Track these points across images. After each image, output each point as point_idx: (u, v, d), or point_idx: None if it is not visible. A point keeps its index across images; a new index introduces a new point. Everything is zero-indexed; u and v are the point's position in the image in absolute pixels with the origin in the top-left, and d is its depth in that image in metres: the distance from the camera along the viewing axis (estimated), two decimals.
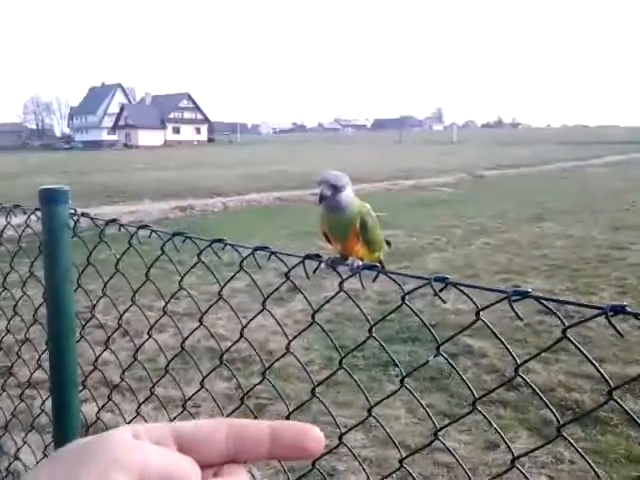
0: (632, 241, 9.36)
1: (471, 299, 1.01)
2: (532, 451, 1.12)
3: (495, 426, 1.14)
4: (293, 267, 1.28)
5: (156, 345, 4.43)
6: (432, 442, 1.20)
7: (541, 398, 0.98)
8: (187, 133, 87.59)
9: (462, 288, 1.05)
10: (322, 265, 1.30)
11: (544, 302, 0.94)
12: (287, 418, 1.44)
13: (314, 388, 1.35)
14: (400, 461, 1.24)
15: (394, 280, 1.14)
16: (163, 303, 1.65)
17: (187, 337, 1.57)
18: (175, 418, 1.87)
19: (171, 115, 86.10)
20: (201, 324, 1.54)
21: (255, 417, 3.25)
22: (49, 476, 0.34)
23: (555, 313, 0.91)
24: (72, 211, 1.70)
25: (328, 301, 1.36)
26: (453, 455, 1.22)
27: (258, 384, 1.53)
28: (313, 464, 1.32)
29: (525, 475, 1.03)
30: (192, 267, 1.49)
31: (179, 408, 1.77)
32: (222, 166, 30.48)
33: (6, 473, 2.64)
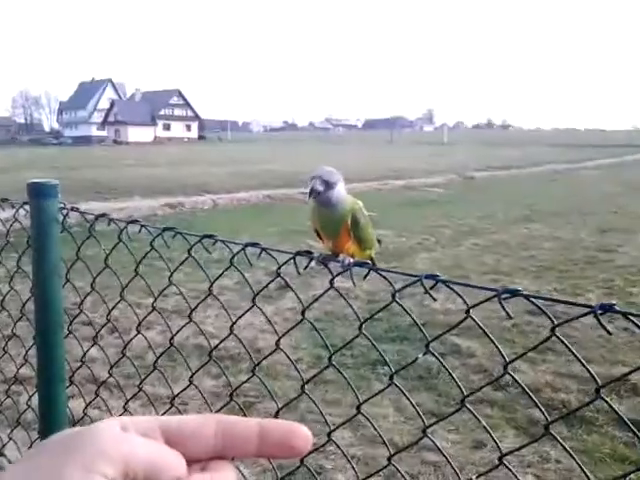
0: (619, 243, 9.45)
1: (461, 297, 1.01)
2: (520, 448, 1.13)
3: (484, 424, 1.14)
4: (284, 263, 1.28)
5: (144, 343, 4.42)
6: (421, 439, 1.21)
7: (530, 397, 0.98)
8: (177, 130, 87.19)
9: (452, 286, 1.05)
10: (313, 262, 1.30)
11: (533, 300, 0.95)
12: (275, 415, 1.43)
13: (303, 385, 1.35)
14: (388, 458, 1.25)
15: (385, 277, 1.14)
16: (151, 300, 1.64)
17: (176, 333, 1.57)
18: (163, 415, 1.86)
19: (161, 112, 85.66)
20: (190, 320, 1.53)
21: (244, 415, 3.24)
22: (35, 466, 0.34)
23: (544, 312, 0.92)
24: (61, 205, 1.68)
25: (318, 298, 1.35)
26: (442, 452, 1.23)
27: (247, 381, 1.53)
28: (301, 461, 1.32)
29: (512, 472, 1.04)
30: (182, 262, 1.49)
31: (167, 405, 1.77)
32: (212, 163, 30.37)
33: None
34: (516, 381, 1.03)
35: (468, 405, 1.08)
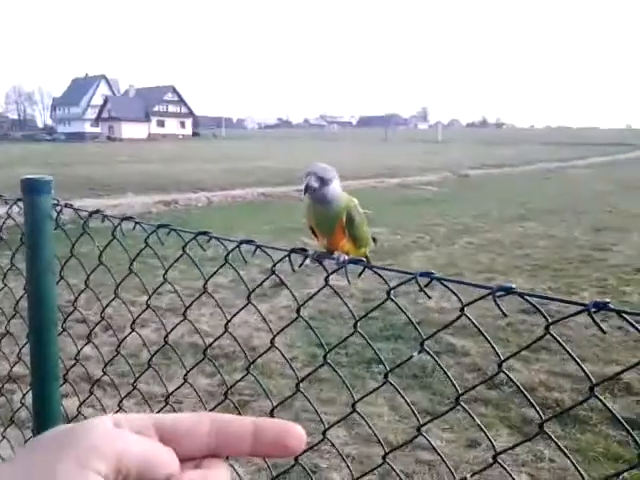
0: (613, 242, 9.49)
1: (456, 295, 1.01)
2: (514, 447, 1.13)
3: (478, 422, 1.14)
4: (279, 261, 1.27)
5: (138, 341, 4.40)
6: (415, 437, 1.21)
7: (524, 395, 0.98)
8: (172, 127, 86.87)
9: (447, 284, 1.04)
10: (308, 260, 1.29)
11: (527, 298, 0.95)
12: (270, 414, 1.43)
13: (298, 383, 1.34)
14: (383, 457, 1.24)
15: (380, 275, 1.13)
16: (146, 298, 1.63)
17: (171, 331, 1.56)
18: (157, 413, 1.85)
19: (155, 108, 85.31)
20: (185, 318, 1.52)
21: (239, 413, 3.23)
22: (29, 463, 0.34)
23: (539, 310, 0.92)
24: (55, 202, 1.67)
25: (313, 295, 1.35)
26: (436, 451, 1.22)
27: (242, 378, 1.52)
28: (296, 460, 1.31)
29: (507, 471, 1.03)
30: (177, 259, 1.48)
31: (161, 404, 1.76)
32: (206, 160, 30.31)
33: None
34: (510, 379, 1.02)
35: (462, 403, 1.07)
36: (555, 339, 0.91)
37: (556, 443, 0.95)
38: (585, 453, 3.37)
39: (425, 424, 1.18)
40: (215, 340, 1.60)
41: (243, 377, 1.50)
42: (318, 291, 1.32)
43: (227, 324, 1.45)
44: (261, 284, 1.45)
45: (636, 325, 0.84)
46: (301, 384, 1.34)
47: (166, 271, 1.51)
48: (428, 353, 1.12)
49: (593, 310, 0.86)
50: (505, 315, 0.91)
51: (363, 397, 1.33)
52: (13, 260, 1.98)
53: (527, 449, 3.36)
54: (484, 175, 24.37)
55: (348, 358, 4.69)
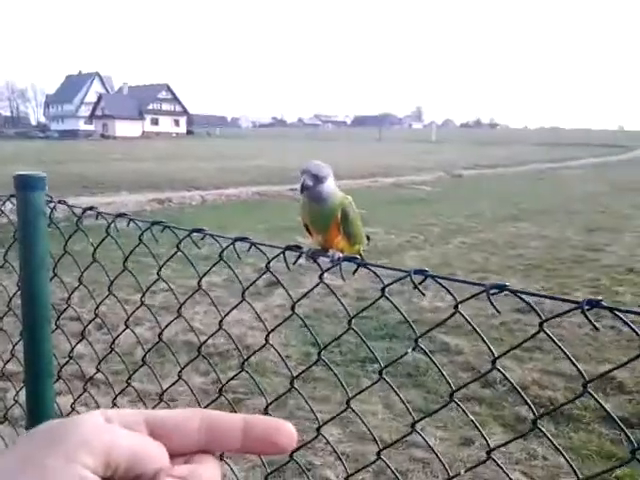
0: (606, 243, 9.53)
1: (450, 292, 1.01)
2: (507, 443, 1.14)
3: (471, 418, 1.14)
4: (273, 258, 1.27)
5: (132, 339, 4.39)
6: (409, 434, 1.21)
7: (517, 391, 0.98)
8: (165, 125, 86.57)
9: (441, 282, 1.05)
10: (302, 257, 1.30)
11: (521, 296, 0.95)
12: (264, 411, 1.43)
13: (292, 380, 1.34)
14: (377, 453, 1.25)
15: (374, 272, 1.13)
16: (139, 297, 1.62)
17: (165, 328, 1.55)
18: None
19: (149, 106, 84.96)
20: (179, 315, 1.52)
21: (233, 410, 3.22)
22: (19, 457, 0.35)
23: (532, 307, 0.92)
24: (48, 198, 1.66)
25: (308, 292, 1.35)
26: (430, 447, 1.23)
27: (236, 375, 1.52)
28: (291, 456, 1.31)
29: (500, 466, 1.04)
30: (171, 257, 1.47)
31: (155, 402, 1.75)
32: (200, 159, 30.25)
33: None
34: (504, 375, 1.03)
35: (456, 400, 1.08)
36: (548, 336, 0.92)
37: (548, 438, 0.96)
38: (578, 451, 3.39)
39: (419, 421, 1.19)
40: (210, 337, 1.59)
41: (237, 374, 1.50)
42: (313, 288, 1.33)
43: (221, 321, 1.45)
44: (256, 280, 1.45)
45: (628, 322, 0.85)
46: (295, 383, 1.34)
47: (160, 268, 1.50)
48: (422, 350, 1.12)
49: (586, 308, 0.86)
50: (498, 312, 0.92)
51: (357, 394, 1.34)
52: (6, 257, 1.97)
53: (521, 447, 3.37)
54: (477, 175, 24.43)
55: (342, 357, 4.69)
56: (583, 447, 3.44)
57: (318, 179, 1.26)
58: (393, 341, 5.05)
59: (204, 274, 1.46)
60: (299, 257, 1.30)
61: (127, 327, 1.68)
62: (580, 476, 0.97)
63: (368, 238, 1.48)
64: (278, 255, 1.26)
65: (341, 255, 1.26)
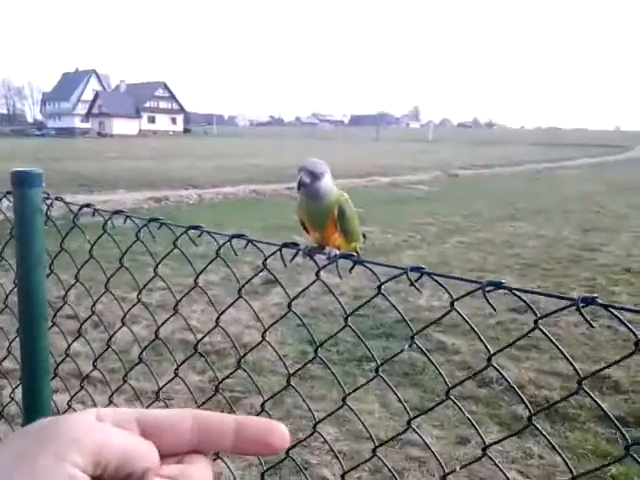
0: (602, 242, 9.55)
1: (446, 290, 1.01)
2: (503, 439, 1.14)
3: (467, 415, 1.15)
4: (270, 255, 1.27)
5: (128, 337, 4.38)
6: (405, 430, 1.21)
7: (514, 390, 0.98)
8: (162, 123, 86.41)
9: (437, 279, 1.05)
10: (299, 255, 1.30)
11: (516, 293, 0.95)
12: (261, 409, 1.43)
13: (289, 377, 1.34)
14: (373, 450, 1.25)
15: (370, 270, 1.13)
16: (136, 296, 1.62)
17: (161, 325, 1.55)
18: (147, 408, 1.84)
19: (146, 104, 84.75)
20: (176, 312, 1.52)
21: (230, 408, 3.22)
22: (10, 455, 0.35)
23: (527, 304, 0.93)
24: (45, 195, 1.66)
25: (305, 289, 1.35)
26: (426, 444, 1.23)
27: (233, 372, 1.52)
28: (287, 453, 1.31)
29: (495, 463, 1.04)
30: (168, 253, 1.47)
31: (151, 400, 1.75)
32: (198, 157, 30.22)
33: None
34: (500, 373, 1.03)
35: (452, 397, 1.08)
36: (543, 332, 0.92)
37: (544, 435, 0.96)
38: (574, 450, 3.40)
39: (415, 418, 1.19)
40: (207, 334, 1.59)
41: (234, 371, 1.49)
42: (309, 285, 1.33)
43: (218, 318, 1.45)
44: (253, 278, 1.45)
45: (622, 319, 0.85)
46: (292, 381, 1.34)
47: (157, 265, 1.50)
48: (418, 347, 1.13)
49: (581, 305, 0.87)
50: (494, 309, 0.92)
51: (354, 391, 1.34)
52: (2, 254, 1.96)
53: (517, 446, 3.38)
54: (474, 175, 24.46)
55: (339, 356, 4.69)
56: (579, 446, 3.45)
57: (315, 176, 1.26)
58: (390, 340, 5.05)
59: (201, 271, 1.45)
60: (296, 254, 1.30)
61: (124, 324, 1.67)
62: (575, 474, 0.97)
63: (364, 236, 1.48)
64: (275, 252, 1.26)
65: (338, 252, 1.26)
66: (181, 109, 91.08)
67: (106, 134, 75.06)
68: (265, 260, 1.28)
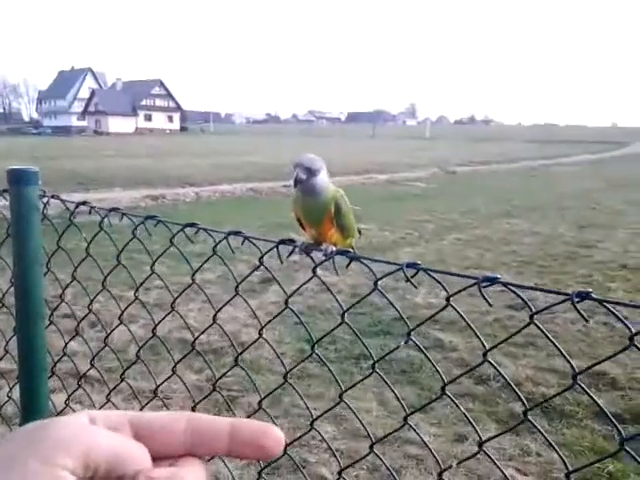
0: (598, 239, 9.57)
1: (442, 285, 1.02)
2: (499, 435, 1.15)
3: (463, 411, 1.15)
4: (267, 252, 1.28)
5: (125, 337, 4.37)
6: (402, 427, 1.22)
7: (510, 386, 0.99)
8: (159, 121, 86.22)
9: (434, 275, 1.05)
10: (296, 252, 1.30)
11: (512, 289, 0.96)
12: (258, 406, 1.43)
13: (286, 374, 1.34)
14: (370, 446, 1.25)
15: (367, 266, 1.14)
16: (133, 295, 1.62)
17: (159, 323, 1.55)
18: (144, 407, 1.85)
19: (143, 102, 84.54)
20: (173, 309, 1.51)
21: (228, 407, 3.21)
22: (6, 455, 0.35)
23: (522, 299, 0.93)
24: (41, 193, 1.65)
25: (302, 286, 1.35)
26: (423, 441, 1.23)
27: (230, 369, 1.52)
28: (285, 451, 1.31)
29: (493, 460, 1.04)
30: (165, 251, 1.47)
31: (149, 399, 1.74)
32: (195, 155, 30.17)
33: None
34: (496, 369, 1.04)
35: (448, 393, 1.09)
36: (539, 328, 0.93)
37: (540, 432, 0.97)
38: (571, 447, 3.41)
39: (411, 414, 1.20)
40: (204, 331, 1.59)
41: (231, 368, 1.49)
42: (306, 282, 1.33)
43: (215, 315, 1.45)
44: (250, 274, 1.45)
45: (617, 313, 0.85)
46: (289, 379, 1.34)
47: (153, 262, 1.50)
48: (415, 343, 1.13)
49: (576, 300, 0.87)
50: (490, 305, 0.93)
51: (351, 387, 1.35)
52: None
53: (514, 443, 3.39)
54: (471, 172, 24.49)
55: (337, 354, 4.69)
56: (576, 443, 3.45)
57: (311, 172, 1.26)
58: (387, 338, 5.05)
59: (198, 268, 1.45)
60: (292, 251, 1.30)
61: (121, 322, 1.67)
62: (574, 476, 0.98)
63: (359, 232, 1.48)
64: (272, 249, 1.26)
65: (334, 249, 1.26)
66: (178, 107, 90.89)
67: (102, 132, 74.87)
68: (262, 257, 1.28)
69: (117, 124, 78.07)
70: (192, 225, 1.38)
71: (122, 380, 1.70)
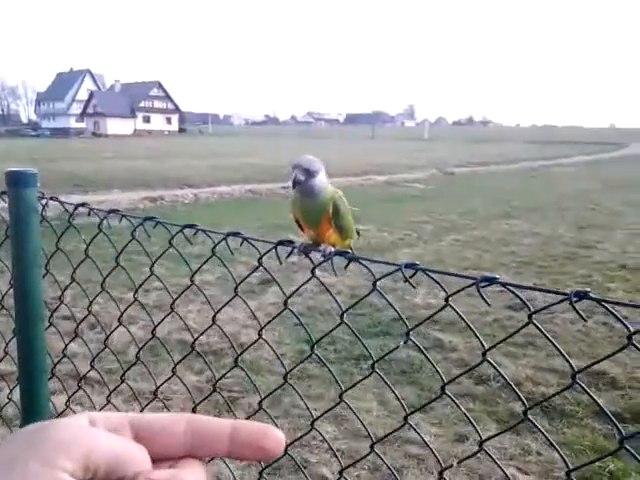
0: (598, 240, 9.58)
1: (441, 286, 1.02)
2: (500, 434, 1.15)
3: (463, 410, 1.15)
4: (266, 252, 1.28)
5: (125, 338, 4.37)
6: (402, 426, 1.22)
7: (509, 385, 0.99)
8: (157, 122, 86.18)
9: (432, 275, 1.06)
10: (294, 253, 1.30)
11: (510, 288, 0.96)
12: (258, 406, 1.43)
13: (286, 374, 1.34)
14: (371, 446, 1.25)
15: (366, 267, 1.14)
16: (132, 296, 1.62)
17: (158, 324, 1.55)
18: (144, 409, 1.84)
19: (141, 104, 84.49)
20: (172, 310, 1.51)
21: (229, 407, 3.21)
22: (7, 457, 0.35)
23: (521, 298, 0.93)
24: (40, 194, 1.65)
25: (301, 286, 1.35)
26: (423, 440, 1.23)
27: (231, 370, 1.52)
28: (286, 451, 1.31)
29: (493, 459, 1.04)
30: (164, 252, 1.47)
31: (149, 400, 1.74)
32: (193, 157, 30.17)
33: None
34: (496, 369, 1.04)
35: (447, 392, 1.09)
36: (537, 327, 0.93)
37: (541, 431, 0.97)
38: (572, 447, 3.41)
39: (412, 413, 1.20)
40: (203, 332, 1.59)
41: (231, 369, 1.50)
42: (305, 282, 1.33)
43: (215, 316, 1.45)
44: (249, 275, 1.45)
45: (615, 313, 0.85)
46: (290, 381, 1.34)
47: (152, 264, 1.50)
48: (414, 343, 1.13)
49: (575, 300, 0.88)
50: (488, 305, 0.93)
51: (351, 387, 1.35)
52: None
53: (515, 443, 3.39)
54: (470, 173, 24.51)
55: (336, 354, 4.69)
56: (576, 442, 3.46)
57: (310, 173, 1.27)
58: (387, 338, 5.05)
59: (197, 269, 1.46)
60: (291, 252, 1.30)
61: (120, 324, 1.67)
62: (574, 474, 0.98)
63: (358, 232, 1.49)
64: (270, 250, 1.26)
65: (333, 249, 1.27)
66: (176, 108, 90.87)
67: (101, 134, 74.83)
68: (261, 258, 1.28)
69: (115, 126, 78.04)
70: (191, 226, 1.38)
71: (122, 381, 1.70)
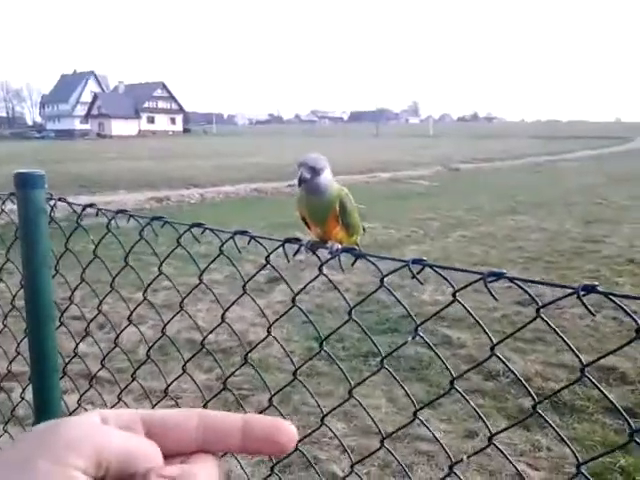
0: (605, 234, 9.53)
1: (448, 281, 1.02)
2: (509, 427, 1.16)
3: (473, 405, 1.15)
4: (273, 250, 1.28)
5: (134, 338, 4.38)
6: (412, 421, 1.22)
7: (519, 380, 0.98)
8: (162, 123, 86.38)
9: (439, 271, 1.05)
10: (302, 251, 1.30)
11: (518, 283, 0.96)
12: (268, 404, 1.43)
13: (295, 371, 1.35)
14: (381, 441, 1.25)
15: (373, 263, 1.14)
16: (141, 296, 1.62)
17: (167, 322, 1.56)
18: (155, 406, 1.85)
19: (145, 104, 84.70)
20: (181, 309, 1.52)
21: (239, 405, 3.22)
22: (11, 459, 0.35)
23: (528, 293, 0.93)
24: (48, 196, 1.66)
25: (309, 284, 1.36)
26: (433, 435, 1.24)
27: (240, 367, 1.52)
28: (296, 447, 1.32)
29: (504, 454, 1.04)
30: (172, 251, 1.48)
31: (160, 399, 1.75)
32: (198, 157, 30.21)
33: None
34: (505, 364, 1.04)
35: (456, 387, 1.09)
36: (545, 321, 0.93)
37: (551, 426, 0.97)
38: (582, 442, 3.40)
39: (421, 409, 1.21)
40: (212, 331, 1.59)
41: (241, 366, 1.50)
42: (313, 279, 1.34)
43: (224, 314, 1.45)
44: (257, 273, 1.46)
45: (623, 306, 0.85)
46: (299, 376, 1.34)
47: (161, 263, 1.50)
48: (423, 339, 1.13)
49: (582, 293, 0.87)
50: (495, 299, 0.93)
51: (360, 383, 1.36)
52: (8, 256, 1.96)
53: (525, 439, 3.38)
54: (475, 169, 24.44)
55: (345, 352, 4.70)
56: (587, 438, 3.44)
57: (315, 171, 1.27)
58: (395, 335, 5.05)
59: (205, 268, 1.46)
60: (299, 249, 1.30)
61: (130, 322, 1.68)
62: (584, 468, 0.97)
63: (364, 229, 1.49)
64: (278, 248, 1.27)
65: (340, 246, 1.27)
66: (180, 109, 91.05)
67: (105, 135, 75.07)
68: (268, 256, 1.28)
69: (120, 127, 78.28)
70: (198, 225, 1.38)
71: (133, 380, 1.71)
